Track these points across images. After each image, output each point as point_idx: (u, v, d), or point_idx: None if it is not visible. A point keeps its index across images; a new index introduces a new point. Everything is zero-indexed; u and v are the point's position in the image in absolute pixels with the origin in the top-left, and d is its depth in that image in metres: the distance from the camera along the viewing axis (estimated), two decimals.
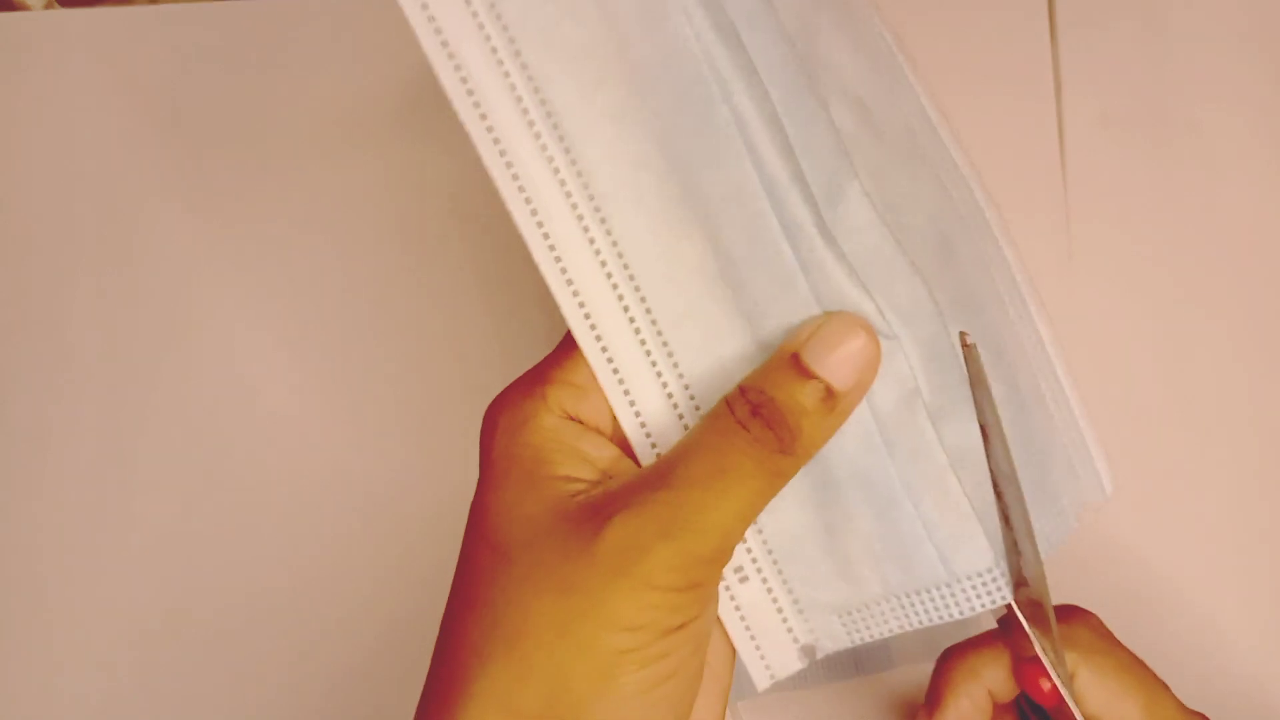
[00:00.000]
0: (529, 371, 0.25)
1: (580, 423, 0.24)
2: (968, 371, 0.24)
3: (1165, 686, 0.27)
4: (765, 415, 0.22)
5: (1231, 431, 0.39)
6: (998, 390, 0.25)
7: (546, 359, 0.25)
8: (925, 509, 0.24)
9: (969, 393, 0.25)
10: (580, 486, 0.23)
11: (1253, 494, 0.38)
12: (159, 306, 0.40)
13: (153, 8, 0.43)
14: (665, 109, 0.23)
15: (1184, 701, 0.28)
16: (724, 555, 0.22)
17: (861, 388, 0.23)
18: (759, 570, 0.25)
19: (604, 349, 0.23)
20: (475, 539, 0.23)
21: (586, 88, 0.22)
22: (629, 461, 0.24)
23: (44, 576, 0.38)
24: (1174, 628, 0.37)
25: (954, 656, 0.28)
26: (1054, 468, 0.27)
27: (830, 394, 0.22)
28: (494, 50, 0.22)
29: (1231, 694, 0.36)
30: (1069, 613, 0.29)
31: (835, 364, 0.22)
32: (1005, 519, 0.25)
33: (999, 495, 0.25)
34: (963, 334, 0.24)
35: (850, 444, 0.24)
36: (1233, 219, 0.41)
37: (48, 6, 0.44)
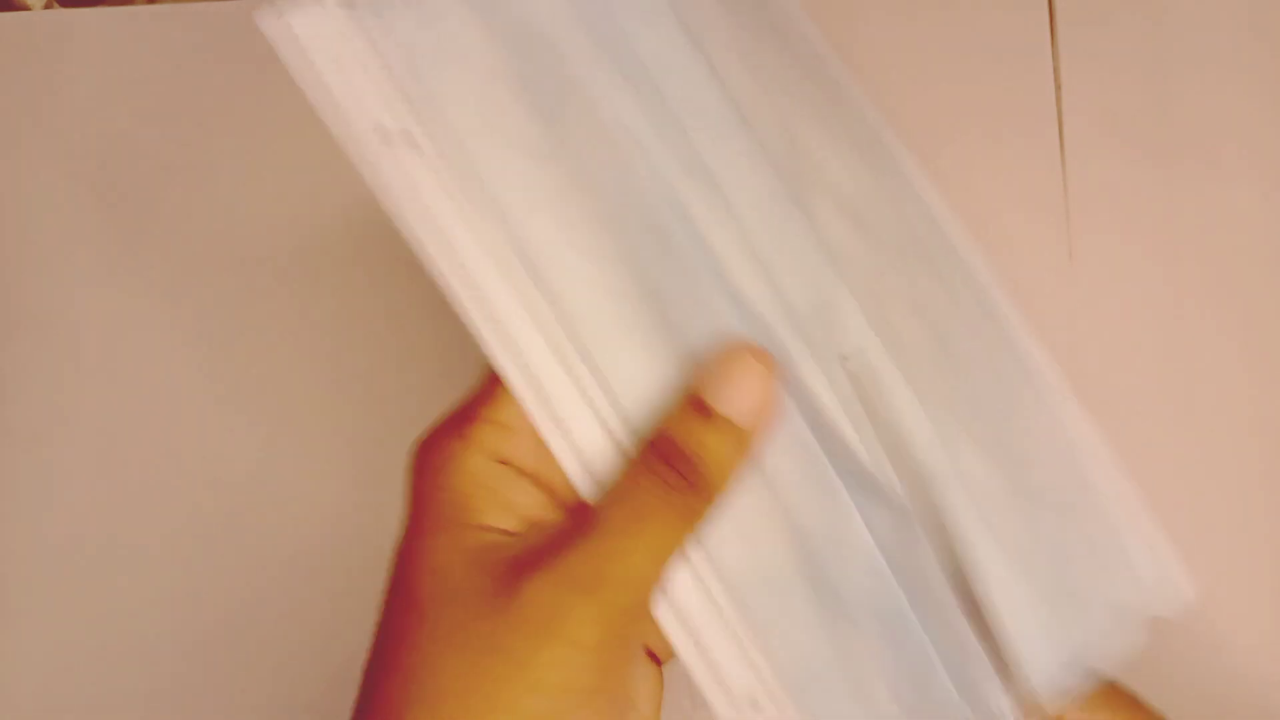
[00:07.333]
0: (456, 409, 0.24)
1: (507, 464, 0.23)
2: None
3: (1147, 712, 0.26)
4: (669, 457, 0.22)
5: (1233, 432, 0.39)
6: (999, 500, 0.24)
7: (472, 395, 0.24)
8: (939, 641, 0.24)
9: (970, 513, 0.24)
10: (501, 538, 0.22)
11: (1254, 494, 0.38)
12: (156, 307, 0.40)
13: (153, 8, 0.43)
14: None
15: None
16: (643, 603, 0.22)
17: (762, 421, 0.23)
18: (773, 699, 0.24)
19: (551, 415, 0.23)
20: (394, 591, 0.23)
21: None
22: (554, 509, 0.24)
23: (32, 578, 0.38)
24: (1177, 624, 0.37)
25: None
26: (1081, 574, 0.25)
27: (730, 429, 0.23)
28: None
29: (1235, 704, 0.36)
30: None
31: (732, 399, 0.23)
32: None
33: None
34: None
35: (855, 568, 0.24)
36: (1233, 219, 0.41)
37: (48, 6, 0.44)
